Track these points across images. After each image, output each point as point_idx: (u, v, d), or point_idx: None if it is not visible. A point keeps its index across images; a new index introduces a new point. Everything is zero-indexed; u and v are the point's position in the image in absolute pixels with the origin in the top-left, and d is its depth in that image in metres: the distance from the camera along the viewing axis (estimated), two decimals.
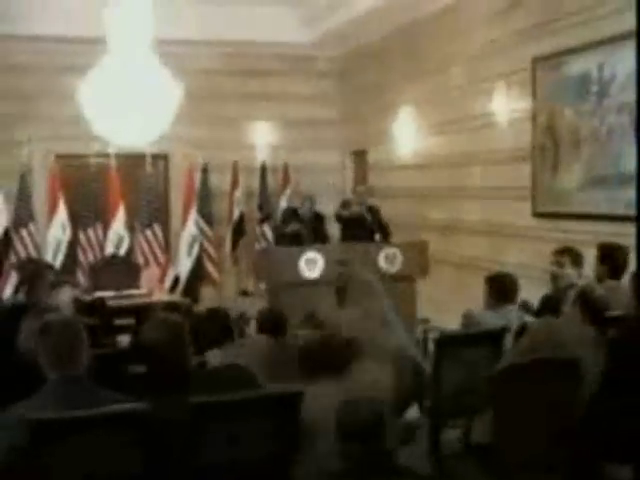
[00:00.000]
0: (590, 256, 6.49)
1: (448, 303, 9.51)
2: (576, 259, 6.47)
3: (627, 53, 6.97)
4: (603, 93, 7.47)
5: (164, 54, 8.66)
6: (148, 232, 11.98)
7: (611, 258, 6.30)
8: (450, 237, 10.40)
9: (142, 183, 12.34)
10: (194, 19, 11.87)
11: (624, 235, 6.59)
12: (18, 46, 12.00)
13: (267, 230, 12.92)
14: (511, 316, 5.97)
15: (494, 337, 5.77)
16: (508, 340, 5.76)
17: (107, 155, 11.83)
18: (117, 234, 11.83)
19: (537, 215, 8.55)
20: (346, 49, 13.44)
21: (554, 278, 6.49)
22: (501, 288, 6.14)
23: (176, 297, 10.72)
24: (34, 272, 7.14)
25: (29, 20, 11.39)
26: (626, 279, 6.19)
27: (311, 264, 8.95)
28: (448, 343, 5.72)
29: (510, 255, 8.90)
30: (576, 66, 7.86)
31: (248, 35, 12.49)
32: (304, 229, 10.60)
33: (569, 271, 6.37)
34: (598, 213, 7.26)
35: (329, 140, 13.77)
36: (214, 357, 4.39)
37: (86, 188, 12.08)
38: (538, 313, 6.21)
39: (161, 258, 12.01)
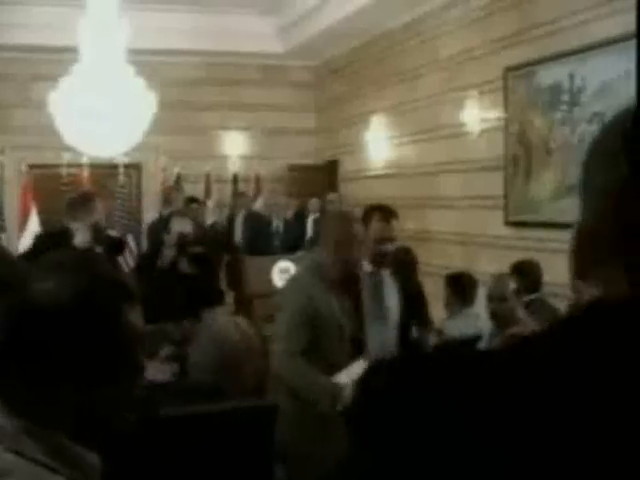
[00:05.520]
0: (561, 265, 6.50)
1: None
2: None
3: (597, 63, 7.04)
4: (574, 103, 7.52)
5: (138, 63, 8.64)
6: None
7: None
8: (422, 246, 10.40)
9: (115, 193, 12.29)
10: (169, 29, 11.86)
11: None
12: None
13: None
14: (478, 323, 6.02)
15: (467, 345, 5.78)
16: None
17: (80, 165, 11.79)
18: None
19: (509, 224, 8.58)
20: (320, 59, 13.47)
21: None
22: (461, 289, 6.26)
23: None
24: None
25: (0, 29, 11.34)
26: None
27: (284, 274, 8.90)
28: None
29: (483, 264, 8.92)
30: (547, 76, 7.91)
31: (222, 45, 12.49)
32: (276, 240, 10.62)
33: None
34: (570, 221, 7.29)
35: (302, 150, 13.77)
36: None
37: (59, 198, 11.99)
38: None
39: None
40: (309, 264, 4.70)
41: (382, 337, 4.79)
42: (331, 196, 11.05)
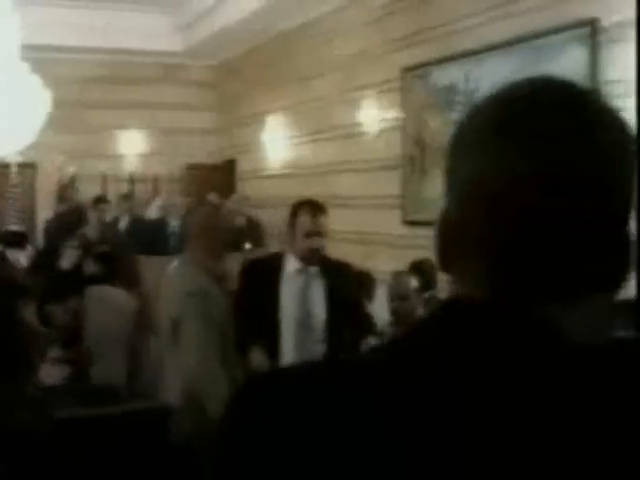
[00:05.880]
0: None
1: None
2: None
3: (492, 64, 7.16)
4: (469, 103, 7.64)
5: (34, 60, 8.48)
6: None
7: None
8: None
9: (6, 193, 12.05)
10: (65, 25, 11.67)
11: None
12: None
13: None
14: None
15: None
16: None
17: None
18: None
19: (406, 223, 8.68)
20: (219, 58, 13.43)
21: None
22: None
23: None
24: None
25: None
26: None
27: None
28: None
29: (381, 263, 8.98)
30: (443, 76, 8.02)
31: (121, 42, 12.35)
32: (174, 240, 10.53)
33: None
34: None
35: (202, 150, 13.70)
36: None
37: None
38: None
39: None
40: (185, 263, 4.53)
41: (303, 345, 4.61)
42: (235, 196, 11.06)
